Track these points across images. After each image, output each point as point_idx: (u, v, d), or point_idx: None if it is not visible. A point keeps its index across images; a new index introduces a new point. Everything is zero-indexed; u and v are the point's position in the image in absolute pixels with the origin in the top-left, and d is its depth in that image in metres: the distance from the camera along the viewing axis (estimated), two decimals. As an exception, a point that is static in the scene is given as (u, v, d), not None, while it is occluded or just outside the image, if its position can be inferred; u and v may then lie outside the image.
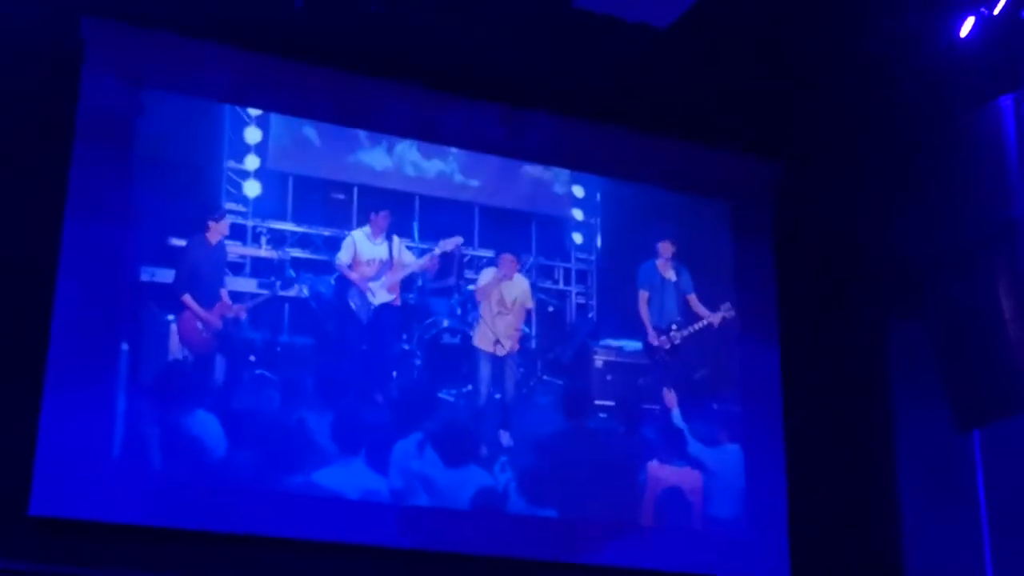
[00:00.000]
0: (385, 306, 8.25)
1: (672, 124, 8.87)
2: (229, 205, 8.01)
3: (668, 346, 8.75)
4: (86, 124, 7.56)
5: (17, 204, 7.31)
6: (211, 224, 7.86)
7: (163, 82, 7.88)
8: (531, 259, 8.73)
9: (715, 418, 8.67)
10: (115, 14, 7.65)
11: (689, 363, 8.81)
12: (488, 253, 8.60)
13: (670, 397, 8.57)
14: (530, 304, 8.58)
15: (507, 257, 8.54)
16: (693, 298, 8.90)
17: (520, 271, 8.58)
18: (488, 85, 8.43)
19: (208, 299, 7.79)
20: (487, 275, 8.52)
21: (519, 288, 8.55)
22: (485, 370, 8.36)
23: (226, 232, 7.91)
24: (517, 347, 8.46)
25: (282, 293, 8.03)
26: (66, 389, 7.11)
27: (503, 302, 8.48)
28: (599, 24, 7.47)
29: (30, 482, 6.93)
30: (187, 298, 7.71)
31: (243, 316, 7.85)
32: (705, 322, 8.84)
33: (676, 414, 8.53)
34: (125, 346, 7.42)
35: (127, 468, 7.22)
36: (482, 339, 8.41)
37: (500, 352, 8.37)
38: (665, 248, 8.87)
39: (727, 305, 8.89)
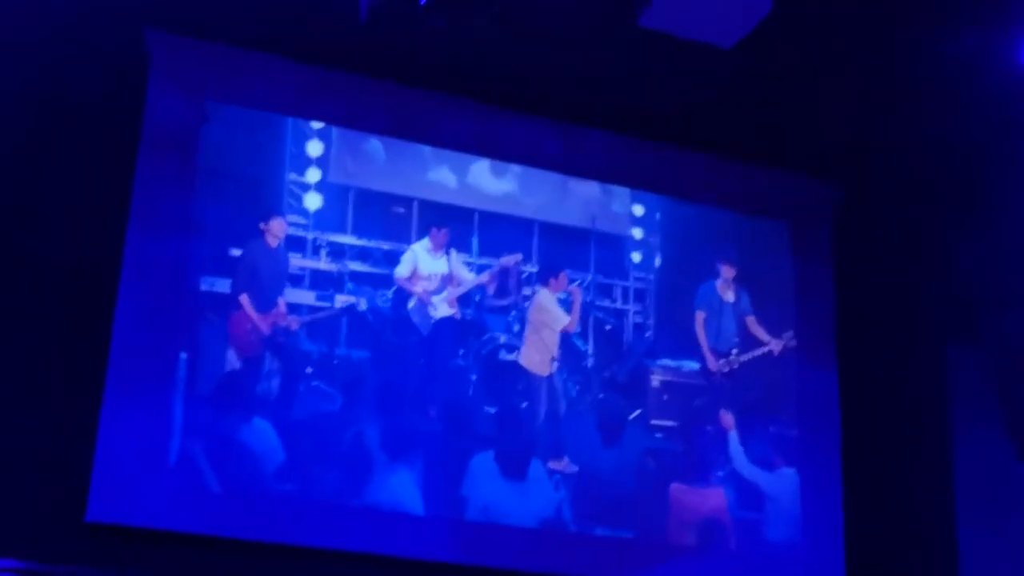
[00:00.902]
0: (445, 320, 8.28)
1: (734, 144, 8.82)
2: (290, 217, 8.06)
3: (727, 369, 8.70)
4: (150, 135, 7.62)
5: (81, 214, 7.38)
6: (266, 225, 7.90)
7: (227, 94, 7.94)
8: (589, 277, 8.70)
9: (771, 441, 8.60)
10: (180, 27, 7.71)
11: (746, 385, 8.75)
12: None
13: (727, 419, 8.51)
14: (565, 322, 8.51)
15: (562, 276, 8.52)
16: (752, 320, 8.85)
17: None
18: (550, 102, 8.42)
19: (264, 304, 7.83)
20: (546, 296, 8.48)
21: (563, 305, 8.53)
22: (540, 388, 8.34)
23: (282, 235, 7.94)
24: (555, 369, 8.41)
25: (340, 306, 8.06)
26: (125, 397, 7.16)
27: (544, 320, 8.46)
28: (664, 43, 7.44)
29: (87, 489, 6.98)
30: (244, 298, 7.76)
31: (294, 327, 7.87)
32: (766, 349, 8.78)
33: (733, 436, 8.47)
34: (184, 355, 7.47)
35: (183, 477, 7.27)
36: (528, 358, 8.40)
37: (540, 372, 8.37)
38: (726, 269, 8.82)
39: (789, 334, 8.81)
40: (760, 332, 8.83)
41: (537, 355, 8.37)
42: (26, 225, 7.29)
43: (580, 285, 8.62)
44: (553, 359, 8.35)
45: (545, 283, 8.49)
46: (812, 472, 8.58)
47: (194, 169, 7.75)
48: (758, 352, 8.77)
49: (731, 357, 8.72)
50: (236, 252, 7.82)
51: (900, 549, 8.59)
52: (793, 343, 8.82)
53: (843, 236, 9.08)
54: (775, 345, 8.80)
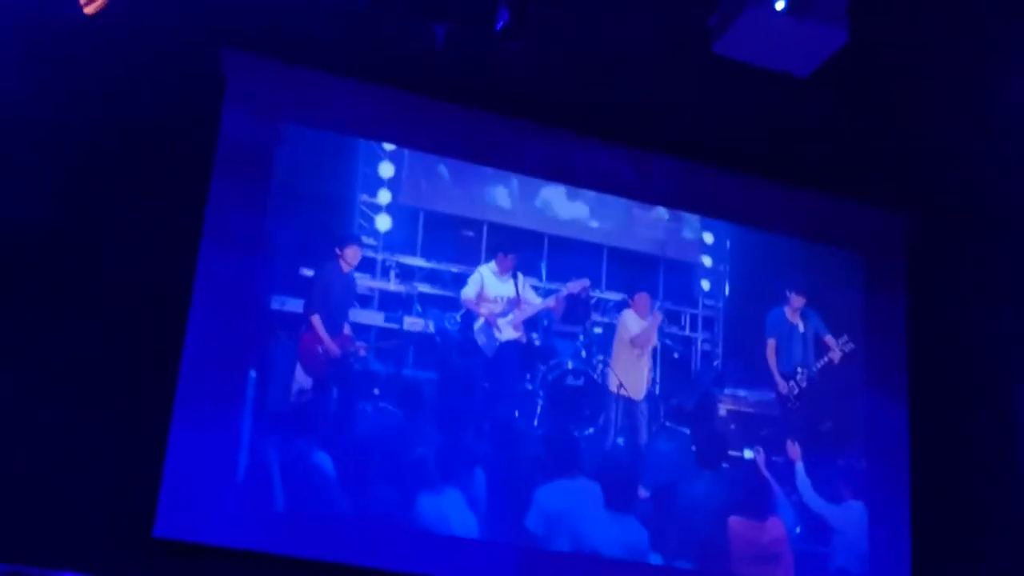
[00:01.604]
0: (510, 343, 8.28)
1: (807, 173, 8.77)
2: (361, 239, 8.09)
3: (796, 391, 8.62)
4: (224, 155, 7.72)
5: (156, 232, 7.46)
6: (341, 251, 7.95)
7: (300, 116, 8.02)
8: (657, 303, 8.68)
9: (839, 473, 8.51)
10: (256, 49, 7.79)
11: (814, 416, 8.67)
12: (616, 296, 8.56)
13: (794, 450, 8.44)
14: (654, 342, 8.51)
15: (642, 296, 8.51)
16: (829, 339, 8.77)
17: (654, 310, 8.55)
18: (622, 128, 8.42)
19: (334, 327, 7.86)
20: (630, 317, 8.48)
21: (651, 328, 8.51)
22: (617, 413, 8.32)
23: (356, 261, 7.98)
24: (649, 387, 8.42)
25: (408, 328, 8.08)
26: (194, 414, 7.24)
27: (636, 342, 8.46)
28: (738, 71, 7.41)
29: (155, 505, 7.04)
30: (316, 319, 7.79)
31: (362, 353, 7.90)
32: (827, 359, 8.71)
33: (800, 467, 8.40)
34: (253, 374, 7.52)
35: (249, 495, 7.31)
36: (616, 381, 8.39)
37: (631, 395, 8.35)
38: (794, 298, 8.76)
39: (844, 338, 8.73)
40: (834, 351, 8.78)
41: (626, 378, 8.36)
42: (101, 243, 7.39)
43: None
44: (644, 382, 8.35)
45: (628, 306, 8.48)
46: (880, 506, 8.49)
47: (267, 190, 7.82)
48: (824, 360, 8.69)
49: (798, 376, 8.64)
50: (307, 272, 7.86)
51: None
52: (850, 347, 8.73)
53: (917, 269, 8.99)
54: (834, 354, 8.71)
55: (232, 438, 7.35)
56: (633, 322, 8.49)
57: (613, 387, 8.36)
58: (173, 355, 7.28)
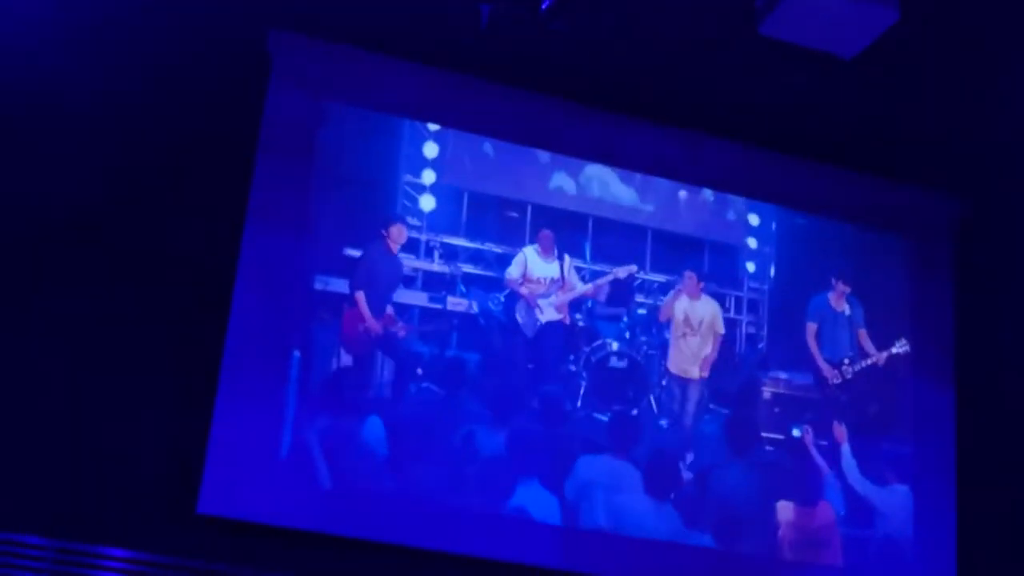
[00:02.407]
0: (552, 324, 8.26)
1: (854, 156, 8.70)
2: (405, 218, 8.09)
3: (839, 380, 8.58)
4: (269, 135, 7.72)
5: (201, 211, 7.49)
6: (387, 231, 7.96)
7: (345, 95, 8.01)
8: (702, 286, 8.64)
9: (884, 457, 8.46)
10: (302, 28, 7.79)
11: (859, 399, 8.61)
12: (660, 278, 8.53)
13: (840, 431, 8.39)
14: (720, 329, 8.48)
15: (689, 275, 8.48)
16: (863, 334, 8.71)
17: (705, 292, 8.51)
18: (668, 109, 8.38)
19: (379, 306, 7.87)
20: (684, 300, 8.47)
21: (707, 310, 8.48)
22: (663, 394, 8.31)
23: (402, 240, 7.99)
24: (706, 374, 8.38)
25: (451, 308, 8.08)
26: (239, 392, 7.26)
27: (689, 322, 8.43)
28: (784, 52, 7.36)
29: (200, 481, 7.08)
30: (359, 296, 7.81)
31: (402, 334, 7.91)
32: (871, 360, 8.65)
33: (846, 449, 8.34)
34: (297, 353, 7.54)
35: (293, 473, 7.34)
36: (671, 361, 8.38)
37: (689, 375, 8.35)
38: (840, 285, 8.70)
39: (902, 341, 8.67)
40: (870, 347, 8.69)
41: (682, 360, 8.38)
42: (147, 222, 7.43)
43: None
44: (702, 363, 8.36)
45: (681, 288, 8.47)
46: (925, 491, 8.43)
47: (311, 169, 7.82)
48: (866, 363, 8.63)
49: (843, 367, 8.59)
50: (352, 252, 7.87)
51: (1014, 571, 8.39)
52: (905, 349, 8.67)
53: (965, 253, 8.91)
54: (879, 357, 8.65)
55: (276, 416, 7.37)
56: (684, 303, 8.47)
57: (672, 368, 8.36)
58: (218, 334, 7.30)
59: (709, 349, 8.41)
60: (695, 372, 8.37)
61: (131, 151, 7.50)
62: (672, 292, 8.47)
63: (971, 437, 8.60)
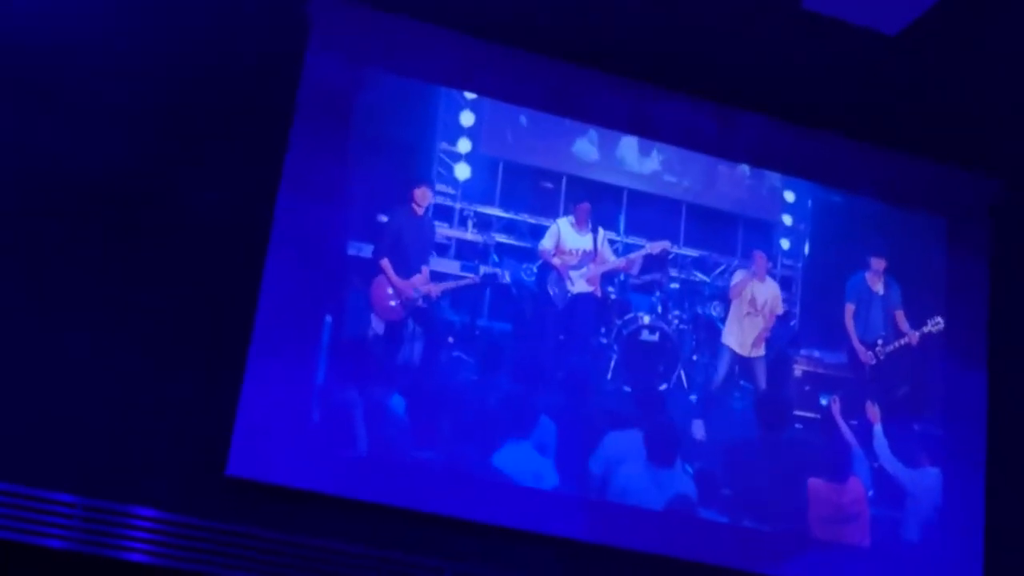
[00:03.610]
0: (583, 296, 8.24)
1: (892, 134, 8.63)
2: (439, 187, 8.10)
3: (873, 361, 8.54)
4: (306, 100, 7.70)
5: (236, 176, 7.49)
6: (412, 193, 7.93)
7: (383, 62, 7.98)
8: (735, 262, 8.62)
9: (916, 439, 8.43)
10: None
11: (892, 380, 8.57)
12: (693, 252, 8.50)
13: (873, 411, 8.35)
14: (780, 310, 8.48)
15: (759, 255, 8.48)
16: (900, 314, 8.66)
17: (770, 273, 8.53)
18: (706, 82, 8.32)
19: (408, 270, 7.87)
20: (739, 275, 8.48)
21: (769, 291, 8.47)
22: (733, 369, 8.34)
23: (426, 203, 7.97)
24: (762, 352, 8.38)
25: (483, 277, 8.07)
26: (270, 356, 7.27)
27: (754, 303, 8.41)
28: (827, 27, 7.30)
29: (229, 444, 7.11)
30: (385, 263, 7.80)
31: (435, 294, 7.90)
32: (905, 340, 8.60)
33: (878, 429, 8.31)
34: (328, 319, 7.54)
35: (322, 438, 7.36)
36: (728, 337, 8.39)
37: (745, 353, 8.35)
38: (876, 261, 8.65)
39: (936, 319, 8.63)
40: (905, 326, 8.65)
41: (743, 338, 8.41)
42: (183, 186, 7.41)
43: (727, 270, 8.57)
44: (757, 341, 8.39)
45: (753, 268, 8.49)
46: (955, 473, 8.39)
47: (347, 135, 7.80)
48: (900, 343, 8.59)
49: (877, 348, 8.55)
50: (384, 219, 7.86)
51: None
52: (939, 327, 8.62)
53: (1001, 233, 8.84)
54: (913, 337, 8.60)
55: (307, 381, 7.39)
56: (738, 277, 8.52)
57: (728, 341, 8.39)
58: (250, 297, 7.31)
59: (762, 328, 8.40)
60: (753, 351, 8.36)
61: (169, 115, 7.48)
62: (743, 271, 8.48)
63: (1002, 419, 8.55)
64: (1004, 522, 8.33)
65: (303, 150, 7.64)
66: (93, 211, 7.23)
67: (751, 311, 8.38)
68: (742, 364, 8.36)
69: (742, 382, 8.40)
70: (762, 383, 8.34)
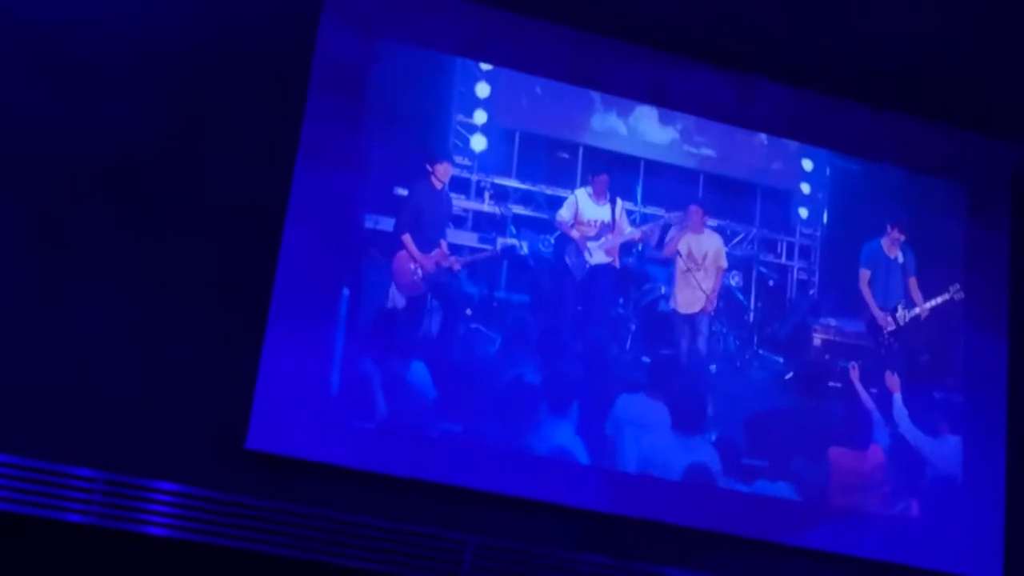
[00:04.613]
0: (601, 267, 8.22)
1: (910, 101, 8.58)
2: (456, 158, 8.06)
3: (892, 327, 8.50)
4: (321, 73, 7.67)
5: (252, 149, 7.47)
6: (432, 168, 7.91)
7: (398, 33, 7.93)
8: (754, 231, 8.58)
9: (936, 407, 8.40)
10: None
11: (911, 348, 8.55)
12: (712, 222, 8.47)
13: (893, 381, 8.33)
14: (723, 263, 8.38)
15: (694, 209, 8.38)
16: (913, 282, 8.63)
17: (710, 226, 8.43)
18: (722, 51, 8.28)
19: (427, 244, 7.85)
20: (671, 231, 8.38)
21: (710, 244, 8.39)
22: (683, 332, 8.25)
23: (447, 178, 7.94)
24: (711, 308, 8.31)
25: (502, 249, 8.05)
26: (287, 330, 7.26)
27: (692, 257, 8.34)
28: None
29: (248, 417, 7.11)
30: (406, 238, 7.79)
31: (457, 267, 7.88)
32: (917, 310, 8.56)
33: (898, 398, 8.29)
34: (346, 291, 7.53)
35: (341, 411, 7.35)
36: (677, 299, 8.32)
37: (689, 311, 8.27)
38: (894, 231, 8.61)
39: (956, 286, 8.58)
40: (917, 296, 8.62)
41: (689, 295, 8.32)
42: (200, 159, 7.40)
43: (744, 239, 8.54)
44: (707, 297, 8.29)
45: (687, 222, 8.39)
46: (975, 441, 8.38)
47: (362, 107, 7.77)
48: (915, 311, 8.55)
49: (896, 314, 8.52)
50: (401, 191, 7.84)
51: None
52: (958, 296, 8.59)
53: (1021, 200, 8.79)
54: (923, 310, 8.56)
55: (325, 354, 7.38)
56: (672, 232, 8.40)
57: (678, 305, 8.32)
58: (268, 270, 7.30)
59: (712, 283, 8.32)
60: (700, 307, 8.28)
61: (184, 87, 7.46)
62: (676, 227, 8.37)
63: (1022, 387, 8.52)
64: (1024, 489, 8.33)
65: (319, 122, 7.61)
66: (111, 185, 7.21)
67: (691, 266, 8.31)
68: (690, 323, 8.27)
69: (761, 351, 8.38)
70: (703, 344, 8.27)
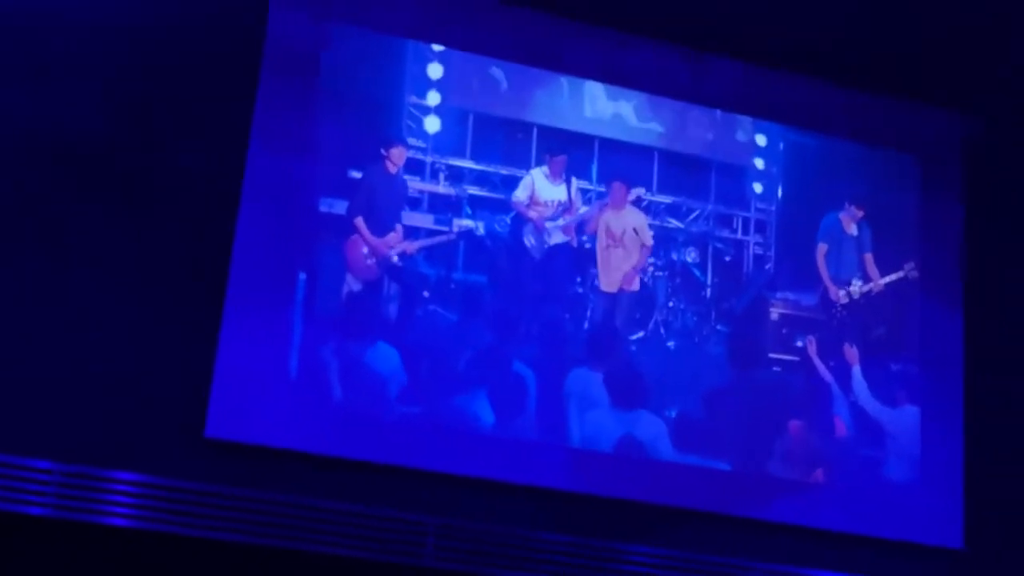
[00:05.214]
0: (559, 246, 8.22)
1: (863, 74, 8.61)
2: (409, 140, 8.03)
3: (846, 300, 8.55)
4: (272, 56, 7.62)
5: (205, 135, 7.42)
6: (387, 152, 7.88)
7: (348, 16, 7.90)
8: (709, 207, 8.59)
9: (894, 378, 8.46)
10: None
11: (867, 320, 8.60)
12: (667, 199, 8.47)
13: (851, 353, 8.39)
14: (648, 241, 8.35)
15: (617, 186, 8.34)
16: (869, 258, 8.67)
17: (635, 202, 8.38)
18: (675, 27, 8.28)
19: (382, 227, 7.83)
20: (592, 208, 8.35)
21: (631, 220, 8.35)
22: (609, 311, 8.22)
23: (401, 162, 7.92)
24: (636, 287, 8.30)
25: (458, 231, 8.03)
26: (244, 316, 7.23)
27: (611, 234, 8.31)
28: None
29: (207, 405, 7.08)
30: (359, 221, 7.75)
31: (411, 251, 7.86)
32: (871, 285, 8.60)
33: (857, 370, 8.34)
34: (303, 275, 7.50)
35: (301, 397, 7.32)
36: (600, 276, 8.27)
37: (610, 289, 8.25)
38: (853, 205, 8.67)
39: (911, 265, 8.64)
40: (873, 271, 8.67)
41: (608, 272, 8.29)
42: (151, 145, 7.34)
43: (700, 215, 8.56)
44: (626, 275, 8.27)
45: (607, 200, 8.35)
46: (933, 412, 8.44)
47: (315, 91, 7.73)
48: (870, 286, 8.61)
49: (851, 288, 8.57)
50: (355, 174, 7.81)
51: (1020, 492, 8.40)
52: (915, 274, 8.64)
53: (975, 173, 8.85)
54: (877, 285, 8.61)
55: (283, 339, 7.35)
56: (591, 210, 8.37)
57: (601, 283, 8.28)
58: (223, 256, 7.26)
59: (635, 260, 8.31)
60: (618, 286, 8.26)
61: (134, 73, 7.39)
62: (596, 204, 8.36)
63: (978, 358, 8.58)
64: (982, 458, 8.38)
65: (272, 107, 7.57)
66: (61, 171, 7.14)
67: (610, 243, 8.31)
68: (611, 302, 8.24)
69: (718, 327, 8.40)
70: (619, 323, 8.24)
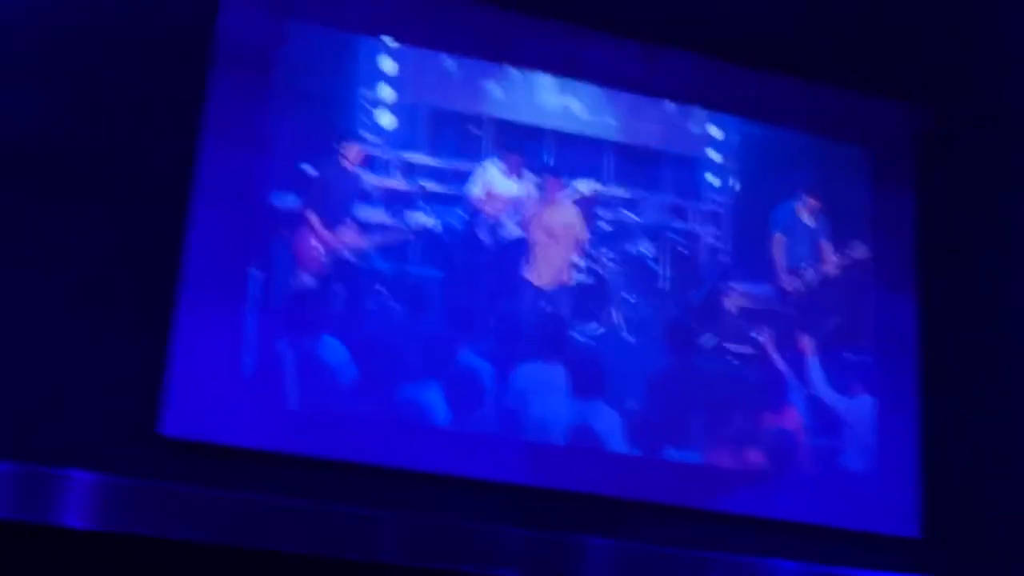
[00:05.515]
0: (516, 241, 8.21)
1: (815, 66, 8.66)
2: (363, 135, 8.00)
3: (802, 288, 8.59)
4: (225, 53, 7.59)
5: (156, 131, 7.38)
6: (342, 149, 7.87)
7: (302, 11, 7.89)
8: (663, 199, 8.61)
9: (849, 368, 8.51)
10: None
11: (822, 310, 8.64)
12: (621, 192, 8.47)
13: (806, 343, 8.43)
14: (583, 236, 8.34)
15: (551, 181, 8.34)
16: (824, 246, 8.72)
17: (570, 197, 8.37)
18: (628, 21, 8.29)
19: (334, 222, 7.80)
20: (530, 206, 8.34)
21: (567, 215, 8.35)
22: (547, 304, 8.20)
23: (358, 160, 7.90)
24: (572, 281, 8.29)
25: (412, 226, 8.01)
26: (198, 312, 7.18)
27: (549, 230, 8.30)
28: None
29: (161, 402, 7.03)
30: (310, 215, 7.73)
31: (364, 245, 7.83)
32: (826, 266, 8.65)
33: (813, 360, 8.39)
34: (255, 271, 7.46)
35: (256, 393, 7.29)
36: (529, 271, 8.24)
37: (542, 285, 8.23)
38: (809, 196, 8.71)
39: (857, 243, 8.67)
40: (829, 256, 8.72)
41: (543, 269, 8.26)
42: (101, 141, 7.29)
43: (654, 207, 8.55)
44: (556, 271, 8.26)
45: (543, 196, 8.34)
46: (889, 401, 8.49)
47: (268, 87, 7.70)
48: (824, 268, 8.65)
49: (804, 275, 8.60)
50: (308, 169, 7.77)
51: (976, 481, 8.49)
52: (865, 255, 8.70)
53: (928, 164, 8.91)
54: (831, 264, 8.65)
55: (237, 336, 7.31)
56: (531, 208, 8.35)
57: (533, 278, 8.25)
58: (175, 252, 7.22)
59: (570, 256, 8.30)
60: (555, 280, 8.24)
61: (84, 69, 7.34)
62: (534, 201, 8.34)
63: (933, 347, 8.63)
64: (938, 446, 8.43)
65: (224, 102, 7.54)
66: (10, 168, 7.08)
67: (543, 239, 8.30)
68: (545, 298, 8.22)
69: (674, 319, 8.40)
70: (583, 313, 8.23)
